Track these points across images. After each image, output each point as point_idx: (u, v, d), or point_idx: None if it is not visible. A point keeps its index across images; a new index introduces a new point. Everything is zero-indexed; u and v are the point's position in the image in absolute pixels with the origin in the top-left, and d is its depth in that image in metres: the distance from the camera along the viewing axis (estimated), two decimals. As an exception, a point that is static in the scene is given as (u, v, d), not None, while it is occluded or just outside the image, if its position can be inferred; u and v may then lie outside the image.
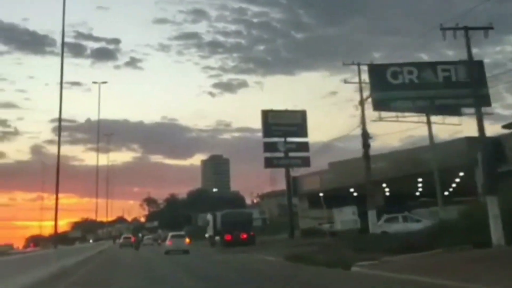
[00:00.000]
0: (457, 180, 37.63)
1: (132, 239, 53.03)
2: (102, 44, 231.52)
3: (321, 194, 43.55)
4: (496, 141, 29.27)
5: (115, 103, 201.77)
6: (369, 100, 27.88)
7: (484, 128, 17.23)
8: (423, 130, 38.33)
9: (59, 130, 21.89)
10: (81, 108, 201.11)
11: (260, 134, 43.22)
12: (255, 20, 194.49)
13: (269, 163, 41.74)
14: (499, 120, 38.11)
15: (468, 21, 18.91)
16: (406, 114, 28.62)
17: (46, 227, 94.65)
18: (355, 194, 42.24)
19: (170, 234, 34.21)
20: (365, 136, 24.47)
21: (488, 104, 24.59)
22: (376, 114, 28.11)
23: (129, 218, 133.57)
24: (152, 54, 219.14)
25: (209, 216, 42.24)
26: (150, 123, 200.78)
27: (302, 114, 43.34)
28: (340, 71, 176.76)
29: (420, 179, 39.12)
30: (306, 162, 42.48)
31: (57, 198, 21.14)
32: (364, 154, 24.74)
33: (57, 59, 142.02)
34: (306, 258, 15.21)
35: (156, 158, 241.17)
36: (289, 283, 10.84)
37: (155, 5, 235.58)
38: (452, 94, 28.11)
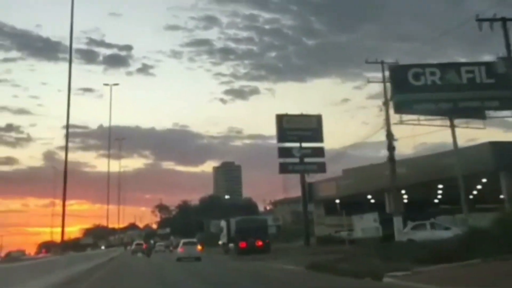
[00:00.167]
0: (479, 186, 36.32)
1: (144, 245, 52.53)
2: (114, 51, 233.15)
3: (337, 201, 42.45)
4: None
5: (127, 109, 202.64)
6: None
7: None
8: (436, 137, 37.31)
9: (66, 136, 21.36)
10: (94, 114, 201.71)
11: (271, 141, 42.55)
12: (266, 26, 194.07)
13: (284, 168, 40.74)
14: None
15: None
16: (429, 117, 27.79)
17: (58, 233, 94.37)
18: (372, 201, 41.13)
19: (182, 241, 33.90)
20: (390, 138, 23.35)
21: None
22: (395, 117, 27.23)
23: (141, 225, 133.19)
24: (164, 61, 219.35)
25: (223, 223, 41.28)
26: (162, 130, 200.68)
27: (318, 119, 42.33)
28: (352, 78, 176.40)
29: (440, 186, 37.87)
30: (321, 168, 41.42)
31: (64, 206, 20.66)
32: (389, 157, 23.60)
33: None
34: (330, 267, 14.16)
35: (168, 165, 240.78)
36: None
37: (167, 11, 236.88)
38: (476, 96, 27.09)
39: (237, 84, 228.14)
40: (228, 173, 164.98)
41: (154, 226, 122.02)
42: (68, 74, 21.36)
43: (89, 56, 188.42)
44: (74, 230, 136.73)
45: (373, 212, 27.80)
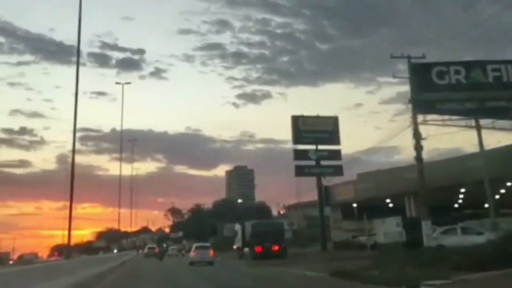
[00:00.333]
0: (502, 190, 35.06)
1: (157, 249, 52.01)
2: (127, 54, 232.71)
3: (354, 205, 41.40)
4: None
5: (139, 113, 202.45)
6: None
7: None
8: (450, 143, 35.81)
9: (73, 139, 20.58)
10: (107, 117, 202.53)
11: (284, 146, 41.62)
12: (278, 31, 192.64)
13: (300, 171, 39.71)
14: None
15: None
16: (453, 117, 26.65)
17: (70, 237, 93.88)
18: (390, 205, 40.03)
19: (195, 245, 33.42)
20: (417, 137, 22.26)
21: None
22: (419, 117, 26.05)
23: (153, 228, 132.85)
24: (177, 65, 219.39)
25: (237, 227, 40.29)
26: (175, 134, 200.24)
27: (334, 120, 41.32)
28: (365, 83, 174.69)
29: (462, 190, 36.67)
30: (338, 171, 40.34)
31: (70, 210, 20.08)
32: (416, 157, 22.46)
33: (83, 69, 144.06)
34: (357, 275, 13.15)
35: (180, 169, 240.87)
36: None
37: (180, 15, 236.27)
38: (503, 96, 25.94)
39: (249, 88, 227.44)
40: (241, 177, 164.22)
41: (167, 229, 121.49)
42: (75, 77, 20.77)
43: (102, 60, 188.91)
44: (86, 233, 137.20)
45: (396, 216, 26.75)
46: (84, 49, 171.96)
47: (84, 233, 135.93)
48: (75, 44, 22.66)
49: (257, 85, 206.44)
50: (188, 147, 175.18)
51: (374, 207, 35.82)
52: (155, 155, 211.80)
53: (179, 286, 14.53)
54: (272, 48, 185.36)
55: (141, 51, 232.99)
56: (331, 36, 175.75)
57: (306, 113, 40.93)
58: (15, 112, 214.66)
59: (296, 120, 40.16)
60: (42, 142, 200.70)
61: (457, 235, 20.79)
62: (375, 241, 28.08)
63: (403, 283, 10.58)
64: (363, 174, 41.63)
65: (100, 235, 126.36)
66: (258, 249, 32.20)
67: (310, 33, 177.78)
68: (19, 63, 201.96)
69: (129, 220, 76.37)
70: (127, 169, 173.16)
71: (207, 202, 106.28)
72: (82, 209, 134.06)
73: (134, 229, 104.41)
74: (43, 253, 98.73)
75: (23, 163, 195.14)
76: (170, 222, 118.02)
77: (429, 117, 25.79)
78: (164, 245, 66.63)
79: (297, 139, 39.75)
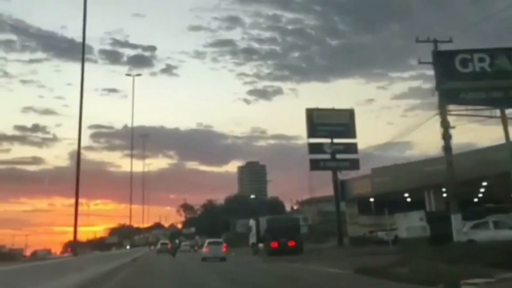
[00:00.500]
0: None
1: (169, 245, 51.58)
2: (138, 51, 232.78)
3: (371, 199, 40.32)
4: None
5: (151, 109, 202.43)
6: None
7: None
8: (463, 137, 34.61)
9: (79, 135, 19.83)
10: (119, 114, 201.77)
11: (295, 141, 40.74)
12: (289, 27, 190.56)
13: (315, 165, 38.80)
14: None
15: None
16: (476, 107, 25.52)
17: (83, 233, 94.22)
18: (408, 199, 38.91)
19: (207, 241, 33.07)
20: (446, 125, 21.20)
21: None
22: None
23: (166, 224, 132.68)
24: (188, 61, 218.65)
25: (252, 222, 39.46)
26: (186, 130, 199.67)
27: (350, 113, 40.37)
28: (376, 78, 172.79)
29: (484, 183, 35.44)
30: (354, 164, 39.43)
31: (76, 207, 19.25)
32: (444, 146, 21.38)
33: (95, 66, 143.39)
34: (385, 272, 12.18)
35: (192, 165, 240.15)
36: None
37: (190, 12, 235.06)
38: (529, 85, 24.72)
39: (260, 85, 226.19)
40: (253, 173, 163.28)
41: (179, 225, 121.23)
42: (80, 73, 19.98)
43: (113, 57, 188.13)
44: (99, 230, 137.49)
45: (419, 210, 25.65)
46: (96, 46, 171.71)
47: (97, 229, 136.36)
48: (87, 41, 21.80)
49: (268, 81, 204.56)
50: (199, 143, 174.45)
51: (392, 202, 34.75)
52: (166, 151, 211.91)
53: (192, 283, 14.06)
54: (283, 44, 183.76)
55: (152, 48, 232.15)
56: (342, 32, 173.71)
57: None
58: (27, 109, 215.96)
59: (311, 113, 39.22)
60: (54, 139, 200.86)
61: (489, 230, 19.65)
62: (396, 236, 27.04)
63: (440, 281, 9.61)
64: (378, 168, 40.52)
65: (113, 231, 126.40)
66: (274, 244, 31.37)
67: (321, 28, 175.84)
68: (31, 61, 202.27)
69: (142, 216, 76.10)
70: (139, 166, 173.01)
71: (219, 198, 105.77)
72: (94, 205, 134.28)
73: (146, 225, 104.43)
74: (57, 250, 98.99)
75: (36, 160, 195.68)
76: (183, 218, 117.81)
77: (452, 107, 24.74)
78: (177, 241, 66.08)
79: (312, 132, 38.82)
